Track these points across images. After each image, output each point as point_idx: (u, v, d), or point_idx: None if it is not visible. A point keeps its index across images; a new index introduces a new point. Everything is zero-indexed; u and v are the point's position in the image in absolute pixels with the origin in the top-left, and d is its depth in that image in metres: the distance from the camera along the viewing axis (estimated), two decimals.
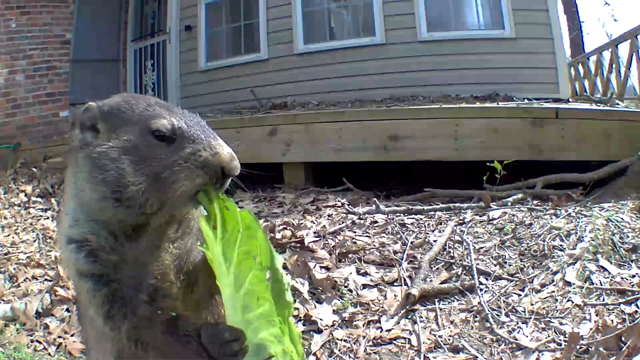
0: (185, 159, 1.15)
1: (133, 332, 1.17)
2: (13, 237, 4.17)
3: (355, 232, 3.39)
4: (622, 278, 2.49)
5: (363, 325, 2.51)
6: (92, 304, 1.21)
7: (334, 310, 2.62)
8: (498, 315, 2.43)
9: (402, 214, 3.64)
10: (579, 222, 3.04)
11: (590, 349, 2.05)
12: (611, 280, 2.50)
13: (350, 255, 3.05)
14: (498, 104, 5.73)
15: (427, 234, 3.29)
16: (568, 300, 2.41)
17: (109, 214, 1.19)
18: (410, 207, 3.74)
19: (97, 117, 1.23)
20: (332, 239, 3.25)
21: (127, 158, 1.17)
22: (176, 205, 1.20)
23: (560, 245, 2.85)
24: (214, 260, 1.14)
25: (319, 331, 2.49)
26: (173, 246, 1.26)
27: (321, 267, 2.93)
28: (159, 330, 1.16)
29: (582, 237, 2.85)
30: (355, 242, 3.20)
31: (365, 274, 2.90)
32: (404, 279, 2.81)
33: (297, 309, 2.62)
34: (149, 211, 1.18)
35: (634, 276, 2.50)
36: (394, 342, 2.39)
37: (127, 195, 1.16)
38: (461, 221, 3.42)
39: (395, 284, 2.81)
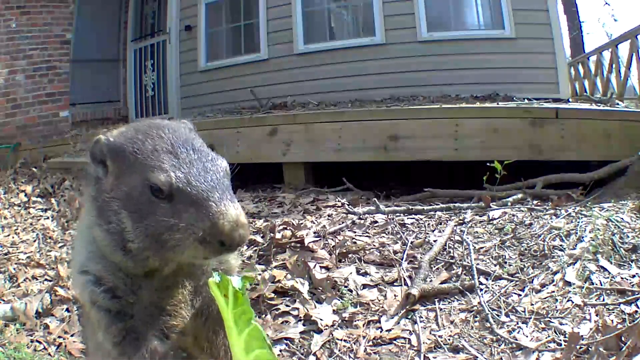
0: (184, 229, 1.08)
1: None
2: (13, 237, 4.17)
3: (355, 232, 3.39)
4: (622, 278, 2.49)
5: (363, 325, 2.51)
6: (104, 333, 1.20)
7: (334, 310, 2.62)
8: (498, 315, 2.43)
9: (402, 214, 3.64)
10: (579, 222, 3.04)
11: (590, 349, 2.05)
12: (611, 280, 2.49)
13: (350, 255, 3.04)
14: (498, 104, 5.72)
15: (427, 234, 3.29)
16: (568, 300, 2.41)
17: (118, 259, 1.18)
18: (410, 207, 3.74)
19: (106, 153, 1.19)
20: (332, 239, 3.24)
21: (127, 212, 1.13)
22: (182, 263, 1.19)
23: (560, 245, 2.85)
24: (225, 319, 1.14)
25: (319, 331, 2.49)
26: (188, 282, 1.25)
27: (321, 267, 2.93)
28: None
29: (582, 237, 2.85)
30: (355, 242, 3.19)
31: (365, 274, 2.89)
32: (404, 279, 2.81)
33: (297, 309, 2.62)
34: (153, 266, 1.17)
35: (634, 276, 2.49)
36: (394, 342, 2.38)
37: (129, 248, 1.15)
38: (461, 221, 3.41)
39: (395, 284, 2.81)
